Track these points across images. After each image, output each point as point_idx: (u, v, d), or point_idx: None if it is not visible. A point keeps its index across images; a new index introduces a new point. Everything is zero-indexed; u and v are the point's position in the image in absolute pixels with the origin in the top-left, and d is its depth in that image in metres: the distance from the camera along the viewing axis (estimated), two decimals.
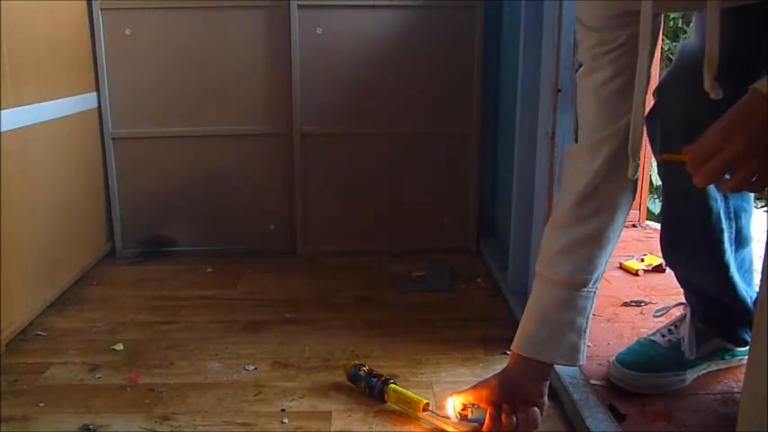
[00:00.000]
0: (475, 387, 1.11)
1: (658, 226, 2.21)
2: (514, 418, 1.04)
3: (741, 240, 1.15)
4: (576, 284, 1.03)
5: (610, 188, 1.01)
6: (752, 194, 1.17)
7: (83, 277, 1.85)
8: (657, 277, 1.77)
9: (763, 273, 0.61)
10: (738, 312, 1.17)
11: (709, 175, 0.73)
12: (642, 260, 1.84)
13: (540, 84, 1.40)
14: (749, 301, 1.16)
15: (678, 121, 1.03)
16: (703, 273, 1.17)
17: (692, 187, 1.08)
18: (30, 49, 1.57)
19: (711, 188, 1.09)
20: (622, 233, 1.07)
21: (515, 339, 1.09)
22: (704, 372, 1.23)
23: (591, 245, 1.02)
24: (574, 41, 1.25)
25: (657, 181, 2.62)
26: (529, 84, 1.47)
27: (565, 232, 1.03)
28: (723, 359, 1.24)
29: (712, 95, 0.77)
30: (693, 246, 1.15)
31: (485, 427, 1.07)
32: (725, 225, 1.11)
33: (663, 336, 1.24)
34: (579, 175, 1.02)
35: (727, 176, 0.73)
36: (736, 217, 1.13)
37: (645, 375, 1.18)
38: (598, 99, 0.99)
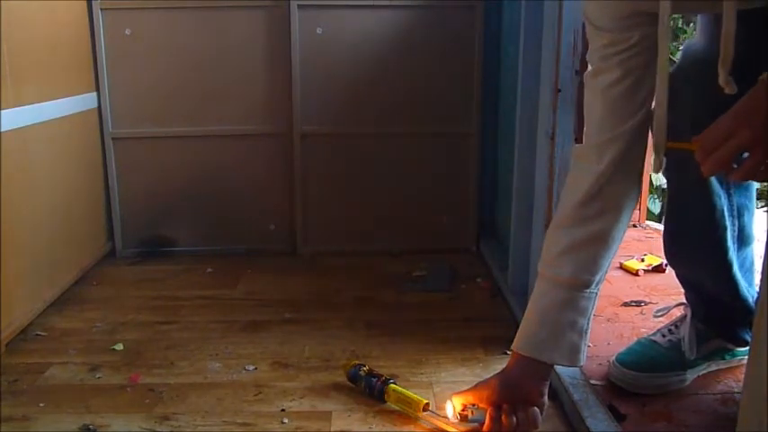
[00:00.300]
0: (475, 387, 1.11)
1: (658, 226, 2.23)
2: (514, 419, 1.04)
3: (743, 239, 1.15)
4: (578, 285, 1.03)
5: (614, 190, 1.01)
6: (754, 193, 1.17)
7: (83, 277, 1.85)
8: (657, 277, 1.77)
9: (763, 273, 0.61)
10: (739, 312, 1.17)
11: (718, 163, 0.73)
12: (642, 260, 1.84)
13: (540, 84, 1.39)
14: (750, 300, 1.16)
15: (683, 117, 1.03)
16: (706, 271, 1.17)
17: (697, 184, 1.08)
18: (30, 49, 1.57)
19: (715, 185, 1.10)
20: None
21: (516, 339, 1.09)
22: (704, 372, 1.23)
23: (594, 246, 1.02)
24: (574, 41, 1.25)
25: (657, 181, 2.62)
26: (529, 84, 1.47)
27: (568, 233, 1.03)
28: (723, 359, 1.24)
29: (727, 90, 0.77)
30: (697, 243, 1.15)
31: (485, 428, 1.07)
32: (728, 222, 1.11)
33: (663, 336, 1.24)
34: (584, 176, 1.02)
35: (735, 166, 0.73)
36: (739, 215, 1.13)
37: (645, 375, 1.18)
38: (605, 100, 0.99)
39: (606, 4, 0.95)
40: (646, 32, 0.92)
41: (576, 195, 1.03)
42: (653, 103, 0.99)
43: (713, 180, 1.09)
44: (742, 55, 0.77)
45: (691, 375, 1.21)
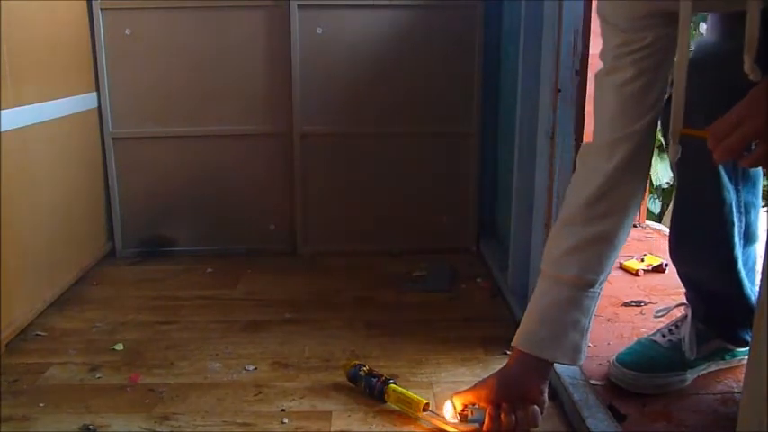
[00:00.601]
0: (474, 387, 1.11)
1: (658, 226, 2.23)
2: (514, 417, 1.04)
3: (749, 236, 1.15)
4: (583, 285, 1.03)
5: (623, 190, 1.01)
6: (761, 191, 1.17)
7: (83, 277, 1.85)
8: (657, 277, 1.77)
9: (763, 273, 0.61)
10: (740, 311, 1.17)
11: (728, 150, 0.74)
12: (642, 260, 1.84)
13: (539, 84, 1.39)
14: (753, 299, 1.16)
15: (695, 111, 1.03)
16: (710, 267, 1.17)
17: (707, 177, 1.08)
18: (30, 49, 1.57)
19: (725, 180, 1.10)
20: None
21: (516, 336, 1.09)
22: (704, 372, 1.23)
23: (600, 246, 1.02)
24: (574, 41, 1.25)
25: (657, 181, 2.62)
26: (529, 84, 1.47)
27: (575, 232, 1.03)
28: (723, 359, 1.24)
29: (752, 77, 0.78)
30: (704, 237, 1.15)
31: (485, 427, 1.07)
32: (736, 218, 1.11)
33: (663, 336, 1.24)
34: (592, 176, 1.02)
35: (746, 154, 0.74)
36: (746, 211, 1.13)
37: (645, 375, 1.18)
38: (618, 99, 0.99)
39: (622, 4, 0.95)
40: (660, 34, 0.93)
41: (583, 194, 1.03)
42: (663, 102, 0.99)
43: (723, 175, 1.09)
44: (761, 49, 0.78)
45: (691, 375, 1.21)
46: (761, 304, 0.60)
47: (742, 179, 1.12)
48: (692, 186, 1.14)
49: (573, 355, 1.05)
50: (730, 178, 1.10)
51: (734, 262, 1.14)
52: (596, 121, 1.03)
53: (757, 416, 0.60)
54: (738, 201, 1.12)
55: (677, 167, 1.17)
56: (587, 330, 1.05)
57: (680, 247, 1.20)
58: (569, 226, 1.04)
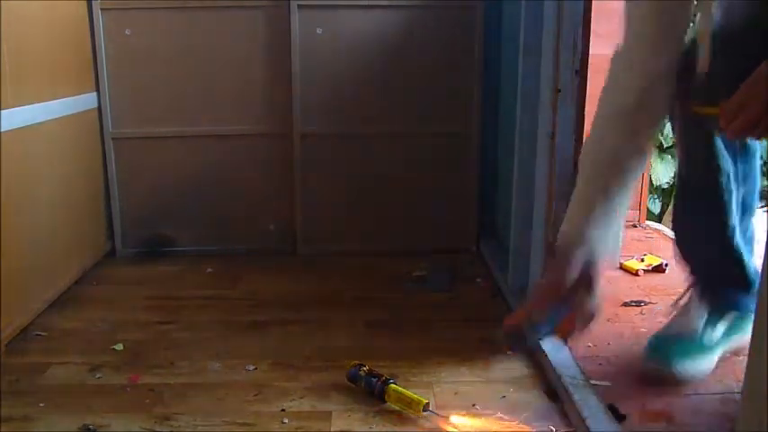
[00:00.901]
0: (533, 294, 1.10)
1: (658, 226, 2.23)
2: (583, 304, 1.04)
3: (745, 207, 1.19)
4: (625, 185, 1.05)
5: (654, 108, 1.03)
6: (757, 166, 1.20)
7: (83, 277, 1.85)
8: (657, 277, 1.77)
9: (763, 272, 0.61)
10: (739, 278, 1.21)
11: (736, 132, 0.81)
12: (642, 260, 1.83)
13: (540, 84, 1.40)
14: (752, 268, 1.20)
15: (723, 80, 1.04)
16: (709, 237, 1.21)
17: (707, 145, 1.13)
18: (30, 49, 1.57)
19: (722, 149, 1.13)
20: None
21: (562, 235, 1.09)
22: (731, 349, 1.24)
23: (633, 158, 1.05)
24: (574, 42, 1.25)
25: (657, 181, 2.63)
26: (529, 84, 1.47)
27: (609, 145, 1.05)
28: (743, 329, 1.24)
29: None
30: (705, 205, 1.19)
31: (564, 322, 1.07)
32: (733, 186, 1.15)
33: (677, 327, 1.25)
34: (625, 90, 1.03)
35: None
36: (744, 182, 1.17)
37: (673, 367, 1.19)
38: (651, 13, 0.99)
39: None
40: None
41: (614, 106, 1.04)
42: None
43: (720, 145, 1.13)
44: None
45: (715, 356, 1.22)
46: (761, 304, 0.60)
47: (740, 151, 1.16)
48: (693, 155, 1.17)
49: (614, 254, 1.08)
50: (727, 148, 1.14)
51: (732, 229, 1.17)
52: (627, 36, 1.02)
53: (757, 416, 0.60)
54: (737, 171, 1.16)
55: (679, 137, 1.19)
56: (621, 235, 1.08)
57: (683, 217, 1.24)
58: (603, 138, 1.06)
